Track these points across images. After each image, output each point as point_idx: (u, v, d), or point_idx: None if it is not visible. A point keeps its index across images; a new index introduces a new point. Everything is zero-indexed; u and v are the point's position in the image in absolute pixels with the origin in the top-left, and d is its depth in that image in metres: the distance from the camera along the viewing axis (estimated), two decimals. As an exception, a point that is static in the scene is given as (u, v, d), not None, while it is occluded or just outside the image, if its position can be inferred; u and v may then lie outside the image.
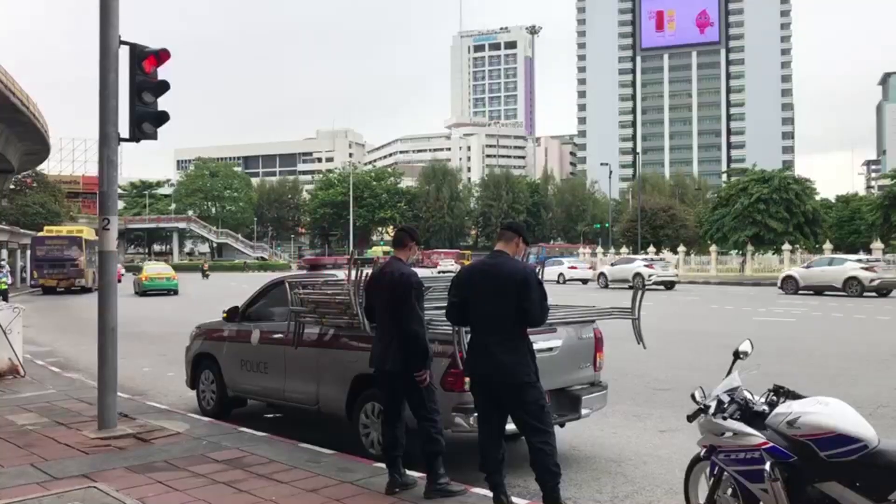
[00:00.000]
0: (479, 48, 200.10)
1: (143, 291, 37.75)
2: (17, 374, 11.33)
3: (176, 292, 38.48)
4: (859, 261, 31.80)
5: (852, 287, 29.54)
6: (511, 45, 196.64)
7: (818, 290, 30.97)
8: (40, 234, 46.85)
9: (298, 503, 5.31)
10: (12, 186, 70.56)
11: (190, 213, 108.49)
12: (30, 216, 62.73)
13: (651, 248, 58.02)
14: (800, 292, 31.21)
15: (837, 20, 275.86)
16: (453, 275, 5.76)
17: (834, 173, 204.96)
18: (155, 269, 41.56)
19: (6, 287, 31.95)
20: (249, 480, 5.87)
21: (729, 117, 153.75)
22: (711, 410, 4.30)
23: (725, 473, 4.31)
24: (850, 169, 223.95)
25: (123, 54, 7.80)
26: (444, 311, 5.43)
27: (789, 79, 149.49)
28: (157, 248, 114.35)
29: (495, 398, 4.93)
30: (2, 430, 7.73)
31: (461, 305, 5.09)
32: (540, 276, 5.10)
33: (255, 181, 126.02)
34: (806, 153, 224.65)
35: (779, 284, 33.10)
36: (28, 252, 53.65)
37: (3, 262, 40.27)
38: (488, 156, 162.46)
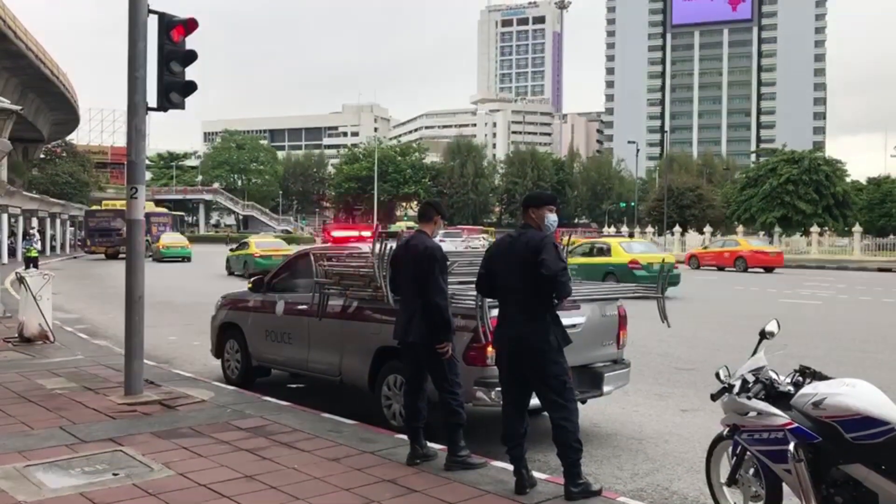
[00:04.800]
0: (506, 23, 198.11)
1: (160, 258, 41.39)
2: (46, 339, 11.53)
3: (189, 259, 42.10)
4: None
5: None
6: (539, 19, 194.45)
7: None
8: (93, 207, 54.02)
9: (320, 471, 5.36)
10: (42, 156, 71.48)
11: (216, 185, 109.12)
12: (59, 185, 63.53)
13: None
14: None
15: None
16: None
17: (866, 155, 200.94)
18: (171, 239, 45.21)
19: (36, 255, 32.44)
20: (272, 448, 5.95)
21: (759, 96, 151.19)
22: (736, 390, 4.28)
23: (748, 453, 4.29)
24: (882, 151, 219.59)
25: (152, 24, 7.82)
26: (467, 285, 5.42)
27: (822, 58, 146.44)
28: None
29: (518, 370, 4.94)
30: (32, 394, 7.90)
31: (489, 277, 5.15)
32: (562, 249, 5.09)
33: (280, 154, 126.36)
34: (837, 134, 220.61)
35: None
36: (56, 221, 54.58)
37: (33, 231, 40.99)
38: (514, 132, 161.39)
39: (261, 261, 28.55)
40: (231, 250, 33.28)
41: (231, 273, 31.04)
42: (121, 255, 44.05)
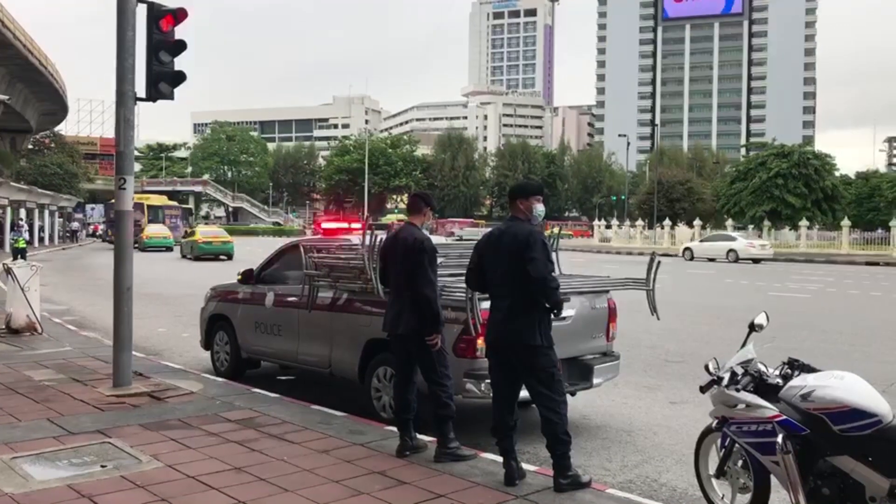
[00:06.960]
0: (498, 15, 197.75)
1: (143, 248, 42.74)
2: (34, 331, 11.46)
3: (171, 249, 44.07)
4: None
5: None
6: (531, 12, 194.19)
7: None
8: (111, 200, 54.23)
9: (309, 463, 5.35)
10: (30, 146, 70.93)
11: (206, 176, 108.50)
12: (47, 176, 62.92)
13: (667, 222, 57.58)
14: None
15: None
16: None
17: (854, 149, 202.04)
18: (154, 230, 47.53)
19: (24, 246, 32.25)
20: (261, 440, 5.93)
21: (750, 90, 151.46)
22: (725, 382, 4.29)
23: (737, 445, 4.31)
24: (871, 145, 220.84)
25: (141, 13, 7.76)
26: (457, 277, 5.41)
27: (813, 52, 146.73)
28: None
29: (508, 363, 4.94)
30: (19, 386, 7.85)
31: (478, 271, 5.15)
32: (550, 242, 5.08)
33: (271, 146, 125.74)
34: (827, 128, 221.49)
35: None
36: (45, 212, 54.28)
37: (21, 222, 40.74)
38: (505, 125, 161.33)
39: (203, 245, 36.53)
40: (183, 237, 40.69)
41: (184, 256, 37.42)
42: (135, 245, 45.30)
